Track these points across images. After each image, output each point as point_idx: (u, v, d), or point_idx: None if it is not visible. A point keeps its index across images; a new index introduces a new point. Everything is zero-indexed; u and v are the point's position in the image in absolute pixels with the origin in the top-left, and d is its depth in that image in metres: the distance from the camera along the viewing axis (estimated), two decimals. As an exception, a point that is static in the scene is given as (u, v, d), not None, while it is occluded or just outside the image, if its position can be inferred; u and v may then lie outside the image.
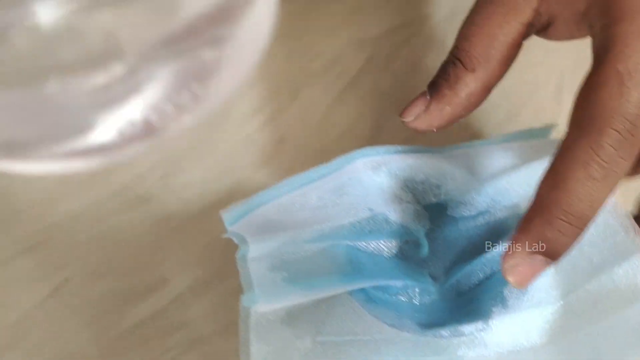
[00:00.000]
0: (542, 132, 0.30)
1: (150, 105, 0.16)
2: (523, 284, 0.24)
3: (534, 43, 0.29)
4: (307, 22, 0.39)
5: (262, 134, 0.35)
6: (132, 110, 0.15)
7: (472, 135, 0.35)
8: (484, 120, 0.36)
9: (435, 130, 0.27)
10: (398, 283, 0.26)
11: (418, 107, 0.27)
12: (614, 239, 0.25)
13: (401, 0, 0.40)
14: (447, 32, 0.39)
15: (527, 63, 0.32)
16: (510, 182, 0.28)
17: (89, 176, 0.33)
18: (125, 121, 0.16)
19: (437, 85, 0.27)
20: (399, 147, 0.29)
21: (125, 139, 0.16)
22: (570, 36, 0.27)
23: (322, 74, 0.37)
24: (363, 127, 0.35)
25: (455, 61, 0.27)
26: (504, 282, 0.25)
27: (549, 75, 0.37)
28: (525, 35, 0.27)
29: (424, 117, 0.27)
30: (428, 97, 0.27)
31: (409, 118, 0.27)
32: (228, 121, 0.36)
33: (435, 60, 0.37)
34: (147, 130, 0.16)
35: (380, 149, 0.29)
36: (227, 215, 0.28)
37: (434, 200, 0.28)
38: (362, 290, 0.26)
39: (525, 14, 0.26)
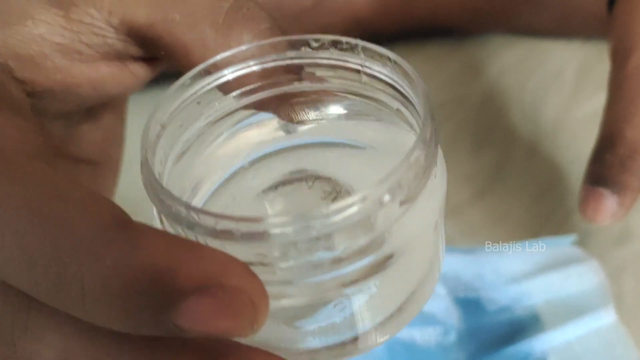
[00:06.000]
0: (564, 240, 0.34)
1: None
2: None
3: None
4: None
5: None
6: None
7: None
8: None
9: None
10: (428, 370, 0.31)
11: (609, 206, 0.29)
12: (615, 353, 0.29)
13: (443, 79, 0.44)
14: (481, 113, 0.42)
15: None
16: (530, 286, 0.32)
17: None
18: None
19: (621, 180, 0.29)
20: (436, 246, 0.33)
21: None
22: None
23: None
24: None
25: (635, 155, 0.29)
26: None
27: None
28: None
29: (620, 213, 0.29)
30: (608, 192, 0.29)
31: (606, 221, 0.30)
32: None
33: (468, 141, 0.41)
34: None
35: (419, 247, 0.33)
36: None
37: (463, 294, 0.33)
38: (396, 378, 0.30)
39: None
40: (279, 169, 0.19)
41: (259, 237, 0.14)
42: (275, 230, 0.14)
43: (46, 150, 0.18)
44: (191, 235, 0.15)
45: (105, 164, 0.24)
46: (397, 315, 0.18)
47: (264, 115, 0.20)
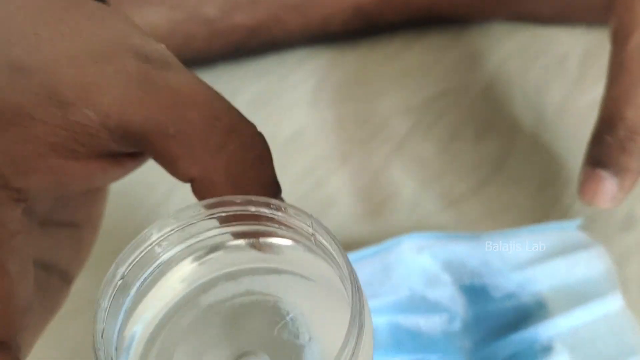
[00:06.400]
0: (570, 225, 0.33)
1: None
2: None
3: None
4: (357, 87, 0.43)
5: (311, 195, 0.39)
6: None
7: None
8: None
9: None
10: (433, 357, 0.31)
11: (609, 189, 0.29)
12: (622, 339, 0.29)
13: (445, 68, 0.44)
14: (484, 102, 0.42)
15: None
16: (535, 273, 0.31)
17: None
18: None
19: (621, 162, 0.29)
20: (441, 234, 0.33)
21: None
22: None
23: (370, 139, 0.41)
24: (406, 193, 0.39)
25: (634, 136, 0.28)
26: (525, 363, 0.29)
27: None
28: None
29: (620, 196, 0.29)
30: (608, 174, 0.29)
31: (606, 204, 0.29)
32: (283, 179, 0.40)
33: (471, 130, 0.41)
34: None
35: (426, 234, 0.33)
36: None
37: (468, 282, 0.32)
38: (401, 364, 0.30)
39: None
40: (231, 289, 0.20)
41: None
42: None
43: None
44: None
45: (88, 223, 0.24)
46: None
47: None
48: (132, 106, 0.19)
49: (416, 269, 0.32)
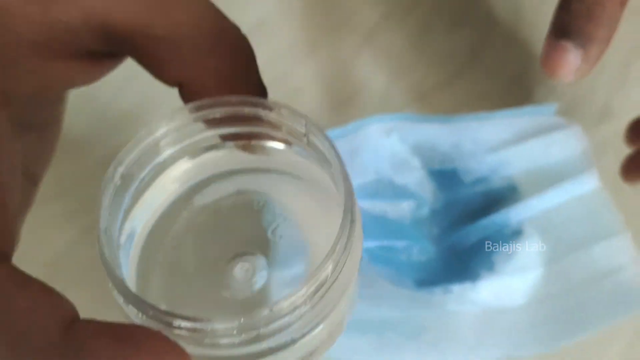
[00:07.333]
0: (546, 109, 0.32)
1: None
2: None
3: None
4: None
5: (276, 87, 0.37)
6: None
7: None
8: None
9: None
10: (400, 244, 0.29)
11: (573, 60, 0.27)
12: (598, 220, 0.28)
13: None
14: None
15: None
16: (509, 155, 0.30)
17: (118, 120, 0.35)
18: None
19: (587, 31, 0.27)
20: (412, 115, 0.31)
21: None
22: None
23: (338, 28, 0.39)
24: (376, 83, 0.37)
25: None
26: (494, 248, 0.28)
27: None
28: None
29: (584, 68, 0.27)
30: (572, 46, 0.27)
31: (570, 76, 0.27)
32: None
33: (446, 23, 0.39)
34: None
35: (395, 115, 0.31)
36: None
37: (438, 166, 0.31)
38: (367, 249, 0.28)
39: None
40: (224, 189, 0.21)
41: (203, 334, 0.16)
42: (220, 329, 0.16)
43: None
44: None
45: (53, 123, 0.23)
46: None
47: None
48: (117, 4, 0.18)
49: (384, 153, 0.30)
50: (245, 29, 0.40)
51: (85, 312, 0.17)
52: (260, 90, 0.21)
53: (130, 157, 0.19)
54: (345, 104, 0.37)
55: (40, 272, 0.18)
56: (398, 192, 0.30)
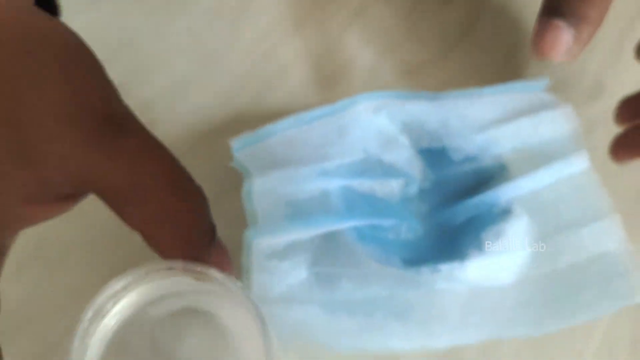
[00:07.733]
0: (536, 85, 0.31)
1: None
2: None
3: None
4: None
5: (267, 62, 0.37)
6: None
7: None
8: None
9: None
10: (388, 222, 0.29)
11: (565, 40, 0.27)
12: (587, 202, 0.28)
13: None
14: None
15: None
16: (498, 134, 0.30)
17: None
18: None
19: (580, 10, 0.27)
20: (401, 92, 0.31)
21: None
22: None
23: (327, 4, 0.38)
24: (365, 60, 0.37)
25: None
26: (482, 227, 0.28)
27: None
28: None
29: (575, 48, 0.27)
30: (565, 25, 0.27)
31: (561, 56, 0.27)
32: (233, 49, 0.37)
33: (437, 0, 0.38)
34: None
35: (384, 93, 0.30)
36: (237, 143, 0.30)
37: (427, 144, 0.30)
38: (355, 228, 0.28)
39: None
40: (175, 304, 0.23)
41: None
42: None
43: None
44: None
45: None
46: None
47: None
48: (92, 169, 0.21)
49: (372, 131, 0.30)
50: (233, 5, 0.39)
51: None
52: (209, 234, 0.22)
53: (89, 313, 0.21)
54: (333, 81, 0.36)
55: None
56: (387, 171, 0.30)
